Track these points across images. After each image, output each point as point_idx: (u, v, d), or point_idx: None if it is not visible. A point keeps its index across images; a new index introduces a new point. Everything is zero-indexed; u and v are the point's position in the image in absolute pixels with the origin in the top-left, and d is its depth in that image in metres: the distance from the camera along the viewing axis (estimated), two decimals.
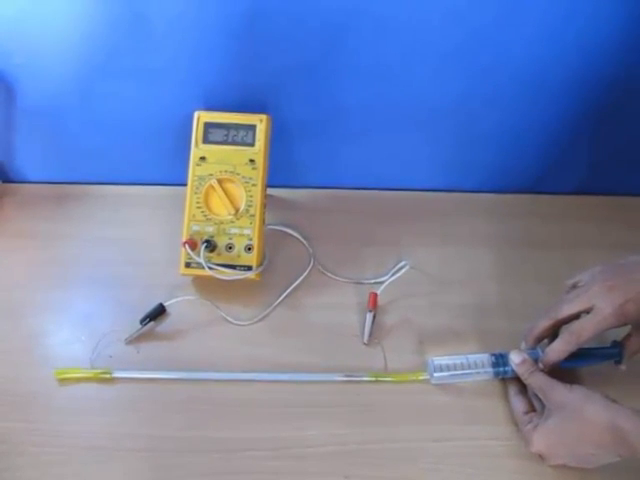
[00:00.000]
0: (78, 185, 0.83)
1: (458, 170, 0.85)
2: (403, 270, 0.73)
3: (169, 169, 0.81)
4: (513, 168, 0.84)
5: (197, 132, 0.72)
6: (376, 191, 0.85)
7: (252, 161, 0.72)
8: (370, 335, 0.69)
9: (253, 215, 0.71)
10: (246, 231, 0.71)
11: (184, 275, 0.71)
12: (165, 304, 0.69)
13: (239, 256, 0.71)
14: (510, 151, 0.82)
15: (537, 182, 0.85)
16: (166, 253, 0.74)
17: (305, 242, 0.78)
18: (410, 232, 0.80)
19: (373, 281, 0.75)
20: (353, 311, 0.72)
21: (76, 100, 0.76)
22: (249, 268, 0.71)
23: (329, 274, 0.75)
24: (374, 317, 0.70)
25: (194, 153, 0.72)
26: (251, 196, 0.71)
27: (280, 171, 0.76)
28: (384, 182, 0.85)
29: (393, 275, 0.74)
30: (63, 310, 0.71)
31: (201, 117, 0.72)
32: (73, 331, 0.69)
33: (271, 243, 0.75)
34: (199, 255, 0.69)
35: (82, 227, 0.79)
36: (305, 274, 0.75)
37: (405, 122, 0.79)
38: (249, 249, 0.71)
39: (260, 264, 0.72)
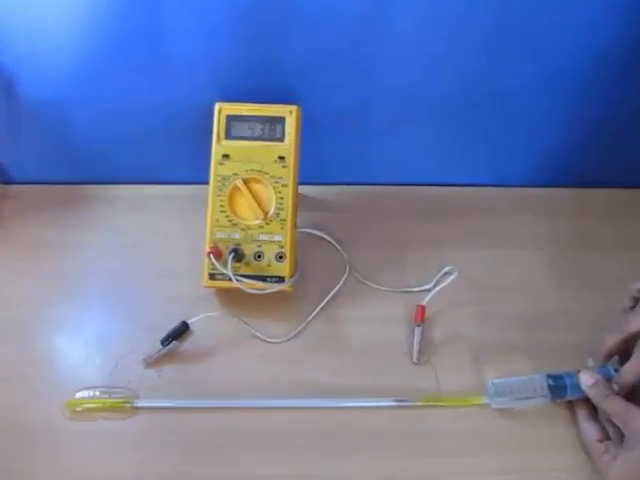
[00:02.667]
0: (86, 186, 0.73)
1: (502, 163, 0.75)
2: (452, 277, 0.64)
3: (188, 166, 0.71)
4: (562, 160, 0.74)
5: (219, 126, 0.62)
6: (414, 187, 0.75)
7: (282, 158, 0.62)
8: (419, 352, 0.60)
9: (284, 219, 0.62)
10: (277, 237, 0.62)
11: (208, 287, 0.62)
12: (188, 322, 0.60)
13: (269, 265, 0.61)
14: (558, 141, 0.72)
15: (588, 175, 0.75)
16: (187, 262, 0.64)
17: (338, 246, 0.68)
18: (452, 232, 0.71)
19: (417, 289, 0.65)
20: (397, 324, 0.63)
21: (82, 93, 0.66)
22: (281, 279, 0.61)
23: (367, 282, 0.66)
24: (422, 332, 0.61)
25: (216, 150, 0.62)
26: (281, 198, 0.62)
27: (308, 166, 0.66)
28: (422, 177, 0.75)
29: (439, 282, 0.65)
30: (73, 329, 0.62)
31: (222, 109, 0.63)
32: (86, 353, 0.59)
33: (300, 248, 0.66)
34: (225, 266, 0.60)
35: (92, 234, 0.69)
36: (341, 283, 0.65)
37: (444, 112, 0.69)
38: (280, 257, 0.62)
39: (293, 274, 0.62)
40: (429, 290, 0.64)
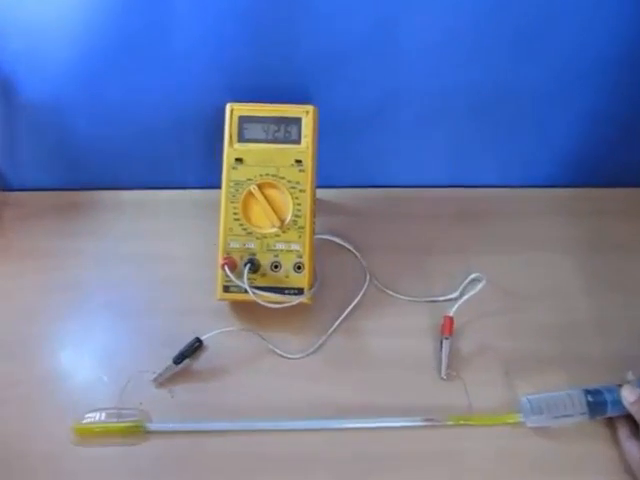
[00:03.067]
0: (90, 191, 0.69)
1: (524, 163, 0.71)
2: (480, 285, 0.60)
3: (198, 170, 0.67)
4: (584, 159, 0.70)
5: (231, 128, 0.58)
6: (434, 189, 0.71)
7: (298, 162, 0.58)
8: (447, 367, 0.56)
9: (302, 227, 0.58)
10: (294, 246, 0.58)
11: (222, 300, 0.58)
12: (202, 337, 0.56)
13: (287, 277, 0.57)
14: (581, 141, 0.69)
15: (611, 174, 0.71)
16: (199, 273, 0.60)
17: (357, 253, 0.64)
18: (476, 236, 0.67)
19: (442, 298, 0.61)
20: (422, 336, 0.59)
21: (84, 93, 0.62)
22: (300, 291, 0.57)
23: (389, 291, 0.62)
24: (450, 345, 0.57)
25: (228, 154, 0.58)
26: (299, 204, 0.58)
27: (323, 168, 0.62)
28: (443, 179, 0.71)
29: (465, 290, 0.61)
30: (78, 346, 0.58)
31: (235, 110, 0.58)
32: (92, 372, 0.55)
33: (317, 256, 0.61)
34: (240, 277, 0.56)
35: (96, 242, 0.65)
36: (361, 293, 0.61)
37: (465, 111, 0.65)
38: (299, 268, 0.57)
39: (312, 285, 0.58)
40: (455, 299, 0.61)
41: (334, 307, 0.60)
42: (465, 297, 0.60)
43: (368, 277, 0.63)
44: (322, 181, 0.62)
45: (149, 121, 0.64)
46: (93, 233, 0.66)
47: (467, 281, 0.62)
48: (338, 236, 0.65)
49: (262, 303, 0.55)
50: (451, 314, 0.58)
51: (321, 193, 0.66)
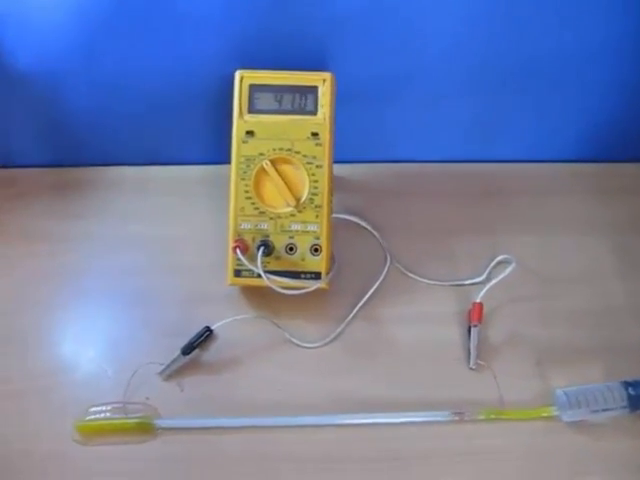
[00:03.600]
0: (89, 168, 0.64)
1: (553, 136, 0.66)
2: (510, 269, 0.55)
3: (205, 145, 0.62)
4: (622, 132, 0.65)
5: (240, 98, 0.53)
6: (458, 164, 0.66)
7: (315, 135, 0.53)
8: (476, 357, 0.52)
9: (319, 206, 0.53)
10: (311, 227, 0.53)
11: (233, 285, 0.54)
12: (212, 326, 0.52)
13: (303, 260, 0.53)
14: (618, 112, 0.63)
15: None
16: (208, 256, 0.56)
17: (376, 234, 0.60)
18: (502, 215, 0.62)
19: (468, 282, 0.57)
20: (448, 323, 0.54)
21: (80, 62, 0.57)
22: (317, 275, 0.53)
23: (411, 275, 0.57)
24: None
25: (238, 126, 0.53)
26: (315, 181, 0.53)
27: (340, 142, 0.56)
28: (467, 153, 0.65)
29: (492, 274, 0.57)
30: (80, 336, 0.53)
31: (245, 78, 0.53)
32: (95, 364, 0.51)
33: (334, 237, 0.56)
34: (253, 261, 0.51)
35: (98, 224, 0.60)
36: (382, 277, 0.57)
37: (491, 81, 0.60)
38: (316, 250, 0.53)
39: (330, 269, 0.54)
40: (482, 283, 0.56)
41: (353, 292, 0.56)
42: (493, 281, 0.55)
43: (389, 259, 0.58)
44: (338, 156, 0.56)
45: (152, 92, 0.59)
46: (93, 214, 0.61)
47: (494, 263, 0.58)
48: (356, 215, 0.60)
49: (276, 289, 0.50)
50: (480, 300, 0.54)
51: (337, 169, 0.60)
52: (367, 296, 0.55)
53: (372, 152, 0.65)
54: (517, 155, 0.66)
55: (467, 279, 0.57)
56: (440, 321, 0.55)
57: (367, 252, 0.59)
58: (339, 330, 0.53)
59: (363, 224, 0.60)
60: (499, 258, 0.58)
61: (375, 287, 0.56)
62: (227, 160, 0.54)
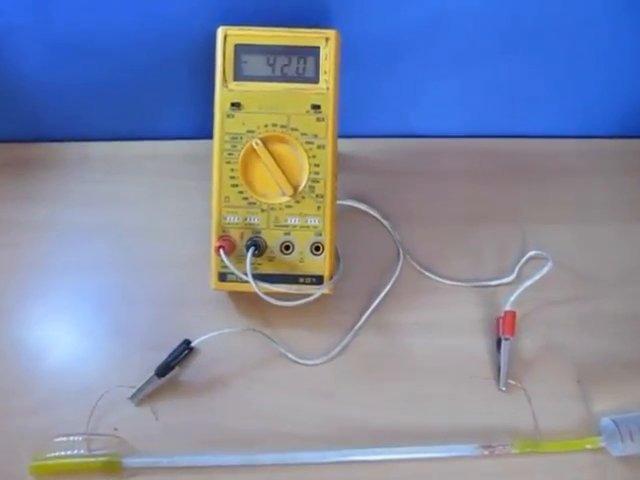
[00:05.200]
0: (48, 144, 0.53)
1: (593, 108, 0.55)
2: (545, 269, 0.46)
3: (188, 116, 0.52)
4: None
5: (224, 62, 0.42)
6: (480, 140, 0.55)
7: (316, 107, 0.42)
8: (507, 375, 0.43)
9: (321, 195, 0.43)
10: (311, 220, 0.43)
11: (218, 291, 0.45)
12: (193, 342, 0.42)
13: (302, 260, 0.43)
14: None
15: None
16: (190, 250, 0.47)
17: (388, 224, 0.50)
18: (535, 200, 0.52)
19: (495, 283, 0.48)
20: (474, 333, 0.45)
21: (32, 15, 0.46)
22: (318, 279, 0.43)
23: (428, 274, 0.48)
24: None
25: (221, 97, 0.42)
26: (317, 165, 0.43)
27: (343, 113, 0.45)
28: (493, 127, 0.55)
29: (522, 272, 0.48)
30: (35, 349, 0.44)
31: (229, 37, 0.42)
32: (54, 386, 0.42)
33: (337, 228, 0.46)
34: (241, 263, 0.42)
35: (56, 209, 0.50)
36: (394, 277, 0.47)
37: (522, 45, 0.50)
38: (317, 249, 0.43)
39: (334, 271, 0.44)
40: (511, 284, 0.47)
41: (360, 296, 0.46)
42: (526, 283, 0.46)
43: (402, 255, 0.48)
44: (341, 130, 0.46)
45: (121, 53, 0.49)
46: (53, 198, 0.50)
47: (524, 260, 0.49)
48: (362, 201, 0.51)
49: (268, 300, 0.41)
50: (512, 308, 0.45)
51: (340, 145, 0.50)
52: (377, 300, 0.46)
53: (380, 125, 0.55)
54: (550, 129, 0.56)
55: (494, 279, 0.48)
56: (463, 330, 0.45)
57: (376, 246, 0.49)
58: (345, 342, 0.44)
59: (371, 212, 0.50)
60: (531, 253, 0.49)
61: (387, 290, 0.46)
62: (209, 135, 0.44)
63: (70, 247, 0.48)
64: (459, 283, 0.48)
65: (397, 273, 0.47)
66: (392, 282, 0.47)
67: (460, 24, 0.49)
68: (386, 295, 0.46)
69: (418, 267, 0.48)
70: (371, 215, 0.50)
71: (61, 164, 0.52)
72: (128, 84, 0.51)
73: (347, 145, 0.51)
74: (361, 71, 0.50)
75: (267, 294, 0.41)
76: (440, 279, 0.48)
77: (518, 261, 0.49)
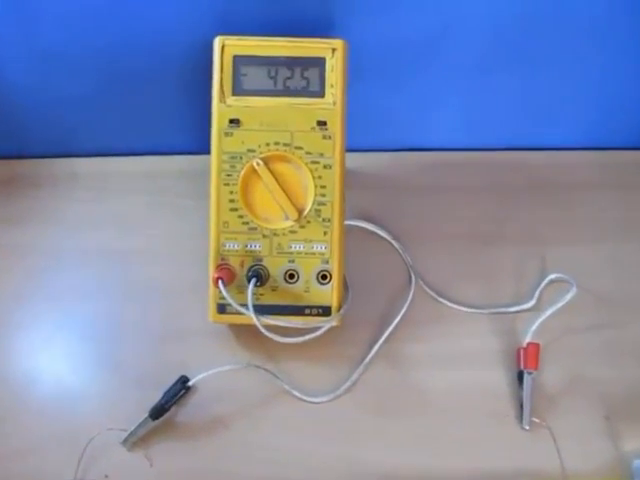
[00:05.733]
0: (34, 160, 0.50)
1: (621, 118, 0.51)
2: (570, 295, 0.42)
3: (184, 130, 0.48)
4: None
5: (222, 75, 0.39)
6: (497, 153, 0.51)
7: (322, 124, 0.39)
8: (531, 412, 0.40)
9: (328, 219, 0.39)
10: (318, 247, 0.40)
11: (217, 323, 0.41)
12: (190, 381, 0.39)
13: (308, 290, 0.40)
14: None
15: None
16: (187, 275, 0.43)
17: (398, 246, 0.47)
18: (554, 218, 0.48)
19: (514, 309, 0.44)
20: (492, 364, 0.42)
21: (16, 24, 0.42)
22: (325, 310, 0.40)
23: (442, 300, 0.44)
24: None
25: (219, 113, 0.39)
26: (323, 186, 0.39)
27: (349, 127, 0.42)
28: (508, 139, 0.51)
29: (542, 295, 0.44)
30: (17, 386, 0.40)
31: (227, 46, 0.38)
32: (37, 428, 0.39)
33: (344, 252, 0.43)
34: (242, 293, 0.38)
35: (42, 232, 0.46)
36: (406, 305, 0.44)
37: (538, 51, 0.47)
38: (324, 278, 0.40)
39: (343, 301, 0.41)
40: (531, 310, 0.44)
41: (369, 326, 0.43)
42: (549, 311, 0.42)
43: (414, 280, 0.45)
44: (346, 144, 0.43)
45: (111, 65, 0.45)
46: (38, 220, 0.47)
47: (544, 283, 0.45)
48: (371, 221, 0.47)
49: (271, 337, 0.37)
50: (533, 338, 0.41)
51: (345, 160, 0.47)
52: (389, 330, 0.42)
53: (387, 138, 0.51)
54: (564, 141, 0.52)
55: (512, 304, 0.44)
56: (481, 362, 0.42)
57: (386, 270, 0.45)
58: (354, 377, 0.41)
59: (379, 233, 0.47)
60: (551, 277, 0.45)
61: (398, 318, 0.43)
62: (205, 149, 0.40)
63: (57, 273, 0.45)
64: (475, 310, 0.44)
65: (409, 300, 0.44)
66: (404, 310, 0.43)
67: (470, 34, 0.45)
68: (398, 324, 0.43)
69: (431, 293, 0.44)
70: (380, 236, 0.47)
71: (47, 182, 0.49)
72: (119, 96, 0.47)
73: (352, 160, 0.47)
74: (367, 82, 0.47)
75: (270, 329, 0.37)
76: (455, 305, 0.44)
77: (538, 285, 0.45)
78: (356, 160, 0.49)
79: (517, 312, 0.44)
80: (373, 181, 0.50)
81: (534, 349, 0.40)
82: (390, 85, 0.48)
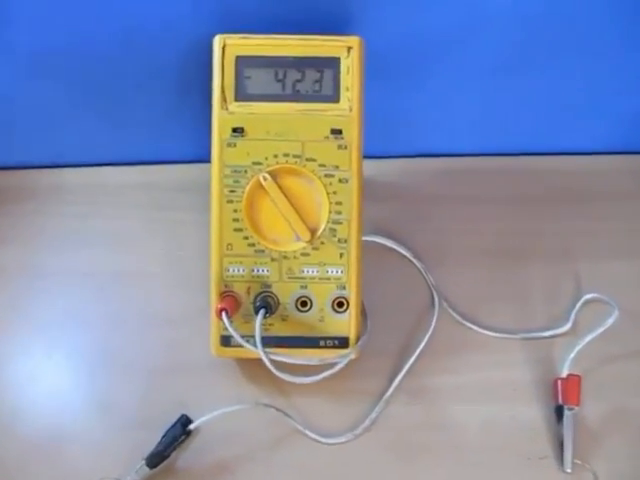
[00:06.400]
0: (16, 171, 0.45)
1: None
2: (611, 319, 0.38)
3: (182, 135, 0.44)
4: None
5: (223, 77, 0.34)
6: (524, 159, 0.47)
7: (336, 132, 0.34)
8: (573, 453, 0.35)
9: (344, 240, 0.35)
10: (333, 271, 0.35)
11: (220, 357, 0.37)
12: (192, 424, 0.34)
13: (322, 319, 0.35)
14: None
15: None
16: (185, 299, 0.39)
17: (418, 264, 0.42)
18: (588, 230, 0.44)
19: (549, 334, 0.40)
20: (526, 397, 0.37)
21: None
22: (342, 341, 0.35)
23: (468, 324, 0.40)
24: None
25: (220, 121, 0.34)
26: (339, 202, 0.35)
27: (365, 131, 0.38)
28: (535, 143, 0.47)
29: (578, 317, 0.40)
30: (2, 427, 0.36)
31: (229, 46, 0.34)
32: (22, 475, 0.34)
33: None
34: (248, 323, 0.34)
35: (26, 252, 0.42)
36: (430, 331, 0.39)
37: (565, 49, 0.42)
38: (340, 305, 0.35)
39: (362, 330, 0.36)
40: (567, 335, 0.39)
41: (389, 355, 0.38)
42: (588, 338, 0.38)
43: (437, 302, 0.40)
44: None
45: (100, 67, 0.40)
46: (21, 238, 0.42)
47: (580, 304, 0.41)
48: (388, 236, 0.42)
49: (283, 377, 0.32)
50: (571, 367, 0.37)
51: None
52: (411, 361, 0.37)
53: (405, 143, 0.46)
54: (595, 144, 0.48)
55: (546, 329, 0.40)
56: (514, 395, 0.37)
57: (406, 291, 0.41)
58: (373, 415, 0.36)
59: (398, 249, 0.42)
60: (587, 296, 0.41)
61: (421, 347, 0.38)
62: (205, 158, 0.36)
63: (42, 298, 0.40)
64: (506, 335, 0.39)
65: (433, 325, 0.39)
66: (427, 337, 0.38)
67: (492, 31, 0.41)
68: (421, 353, 0.38)
69: (457, 316, 0.40)
70: (398, 252, 0.42)
71: (32, 195, 0.44)
72: (110, 101, 0.42)
73: (367, 168, 0.42)
74: (379, 82, 0.42)
75: (281, 366, 0.33)
76: (483, 330, 0.39)
77: (573, 306, 0.40)
78: (368, 168, 0.43)
79: (552, 337, 0.40)
80: (387, 191, 0.45)
81: (575, 382, 0.36)
82: (406, 86, 0.43)
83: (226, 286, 0.34)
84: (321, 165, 0.34)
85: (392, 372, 0.37)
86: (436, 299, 0.40)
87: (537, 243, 0.43)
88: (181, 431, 0.33)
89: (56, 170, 0.45)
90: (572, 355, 0.37)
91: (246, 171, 0.34)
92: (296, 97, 0.34)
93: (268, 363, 0.32)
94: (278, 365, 0.33)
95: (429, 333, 0.39)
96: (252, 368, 0.37)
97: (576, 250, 0.43)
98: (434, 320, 0.39)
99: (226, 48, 0.34)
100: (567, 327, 0.40)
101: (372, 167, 0.44)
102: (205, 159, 0.36)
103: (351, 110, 0.34)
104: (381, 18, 0.37)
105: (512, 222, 0.44)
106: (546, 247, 0.43)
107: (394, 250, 0.42)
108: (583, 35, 0.42)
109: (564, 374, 0.37)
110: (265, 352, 0.32)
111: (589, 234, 0.44)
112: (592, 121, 0.46)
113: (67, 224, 0.43)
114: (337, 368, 0.33)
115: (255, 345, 0.33)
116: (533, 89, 0.44)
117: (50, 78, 0.41)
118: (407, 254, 0.42)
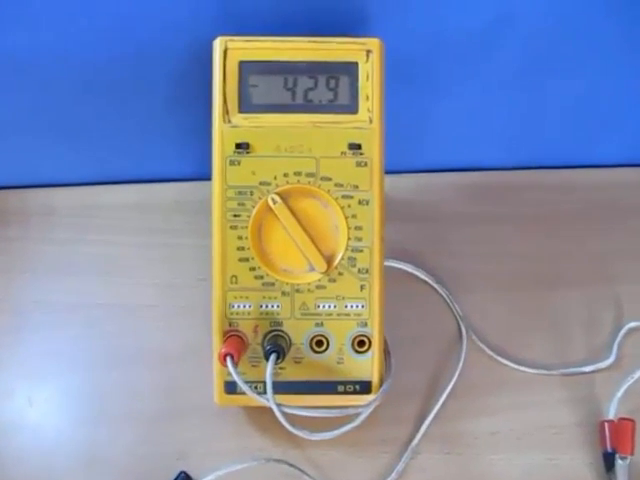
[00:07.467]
0: (8, 191, 0.40)
1: None
2: None
3: (181, 150, 0.39)
4: None
5: (225, 85, 0.29)
6: (548, 171, 0.42)
7: (355, 147, 0.29)
8: None
9: (365, 270, 0.30)
10: (353, 306, 0.30)
11: (224, 406, 0.31)
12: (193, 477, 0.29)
13: (341, 361, 0.30)
14: None
15: None
16: (185, 336, 0.34)
17: (443, 291, 0.37)
18: (625, 250, 0.39)
19: (589, 369, 0.35)
20: (569, 444, 0.32)
21: None
22: (364, 386, 0.30)
23: (502, 359, 0.35)
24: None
25: (222, 135, 0.29)
26: (358, 227, 0.30)
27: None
28: (565, 156, 0.42)
29: (622, 351, 0.35)
30: None
31: (231, 50, 0.29)
32: None
33: None
34: (255, 367, 0.29)
35: (11, 283, 0.36)
36: (459, 367, 0.34)
37: (589, 56, 0.38)
38: (361, 344, 0.30)
39: (386, 373, 0.31)
40: (610, 369, 0.34)
41: (414, 397, 0.33)
42: (637, 374, 0.33)
43: (465, 334, 0.35)
44: None
45: (92, 76, 0.35)
46: (6, 268, 0.37)
47: (623, 333, 0.36)
48: (408, 261, 0.37)
49: (297, 434, 0.27)
50: (621, 410, 0.32)
51: None
52: (439, 404, 0.32)
53: (425, 156, 0.42)
54: (633, 156, 0.43)
55: (586, 363, 0.35)
56: (556, 440, 0.32)
57: (430, 323, 0.36)
58: (400, 467, 0.31)
59: (420, 275, 0.37)
60: (631, 325, 0.36)
61: (450, 386, 0.33)
62: (206, 175, 0.31)
63: (26, 335, 0.35)
64: (542, 371, 0.34)
65: (461, 362, 0.34)
66: (456, 375, 0.33)
67: (520, 35, 0.36)
68: (450, 394, 0.33)
69: (488, 351, 0.35)
70: (419, 278, 0.37)
71: (19, 219, 0.39)
72: (100, 113, 0.37)
73: (386, 184, 0.38)
74: (398, 90, 0.37)
75: (294, 418, 0.27)
76: (517, 366, 0.34)
77: (615, 335, 0.36)
78: (389, 184, 0.39)
79: (593, 372, 0.35)
80: (408, 209, 0.40)
81: (629, 427, 0.30)
82: (426, 92, 0.38)
83: (230, 325, 0.29)
84: (338, 185, 0.29)
85: (418, 417, 0.32)
86: (464, 331, 0.35)
87: (572, 265, 0.38)
88: None
89: (43, 190, 0.40)
90: (619, 394, 0.32)
91: (252, 192, 0.29)
92: (308, 108, 0.29)
93: (281, 418, 0.27)
94: (292, 421, 0.28)
95: (458, 371, 0.34)
96: (261, 415, 0.31)
97: (616, 272, 0.38)
98: (463, 355, 0.34)
99: (228, 52, 0.29)
100: (610, 360, 0.35)
101: (387, 183, 0.39)
102: (204, 176, 0.32)
103: (371, 122, 0.29)
104: (403, 17, 0.32)
105: (543, 242, 0.39)
106: (582, 270, 0.38)
107: (413, 275, 0.37)
108: (617, 41, 0.37)
109: (611, 415, 0.32)
110: (278, 405, 0.27)
111: (630, 254, 0.39)
112: (628, 131, 0.42)
113: (55, 252, 0.38)
114: (359, 421, 0.28)
115: (265, 392, 0.28)
116: (561, 99, 0.40)
117: (34, 87, 0.36)
118: (429, 280, 0.37)
